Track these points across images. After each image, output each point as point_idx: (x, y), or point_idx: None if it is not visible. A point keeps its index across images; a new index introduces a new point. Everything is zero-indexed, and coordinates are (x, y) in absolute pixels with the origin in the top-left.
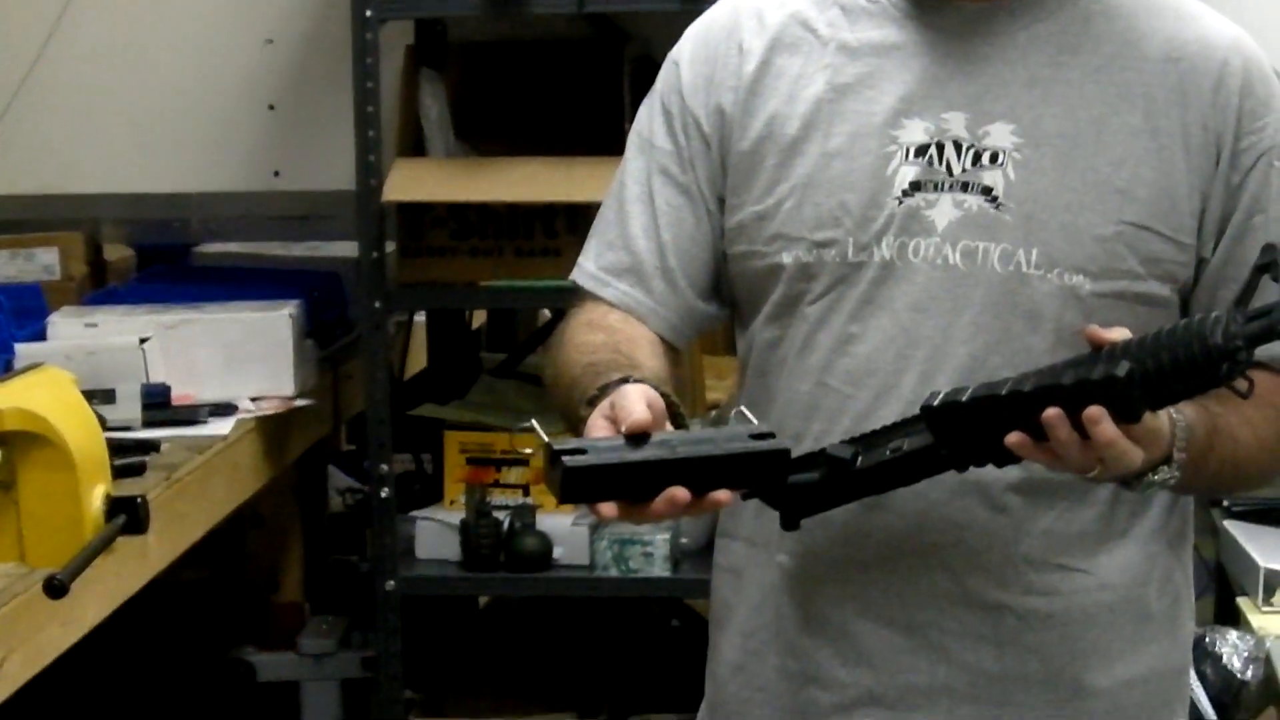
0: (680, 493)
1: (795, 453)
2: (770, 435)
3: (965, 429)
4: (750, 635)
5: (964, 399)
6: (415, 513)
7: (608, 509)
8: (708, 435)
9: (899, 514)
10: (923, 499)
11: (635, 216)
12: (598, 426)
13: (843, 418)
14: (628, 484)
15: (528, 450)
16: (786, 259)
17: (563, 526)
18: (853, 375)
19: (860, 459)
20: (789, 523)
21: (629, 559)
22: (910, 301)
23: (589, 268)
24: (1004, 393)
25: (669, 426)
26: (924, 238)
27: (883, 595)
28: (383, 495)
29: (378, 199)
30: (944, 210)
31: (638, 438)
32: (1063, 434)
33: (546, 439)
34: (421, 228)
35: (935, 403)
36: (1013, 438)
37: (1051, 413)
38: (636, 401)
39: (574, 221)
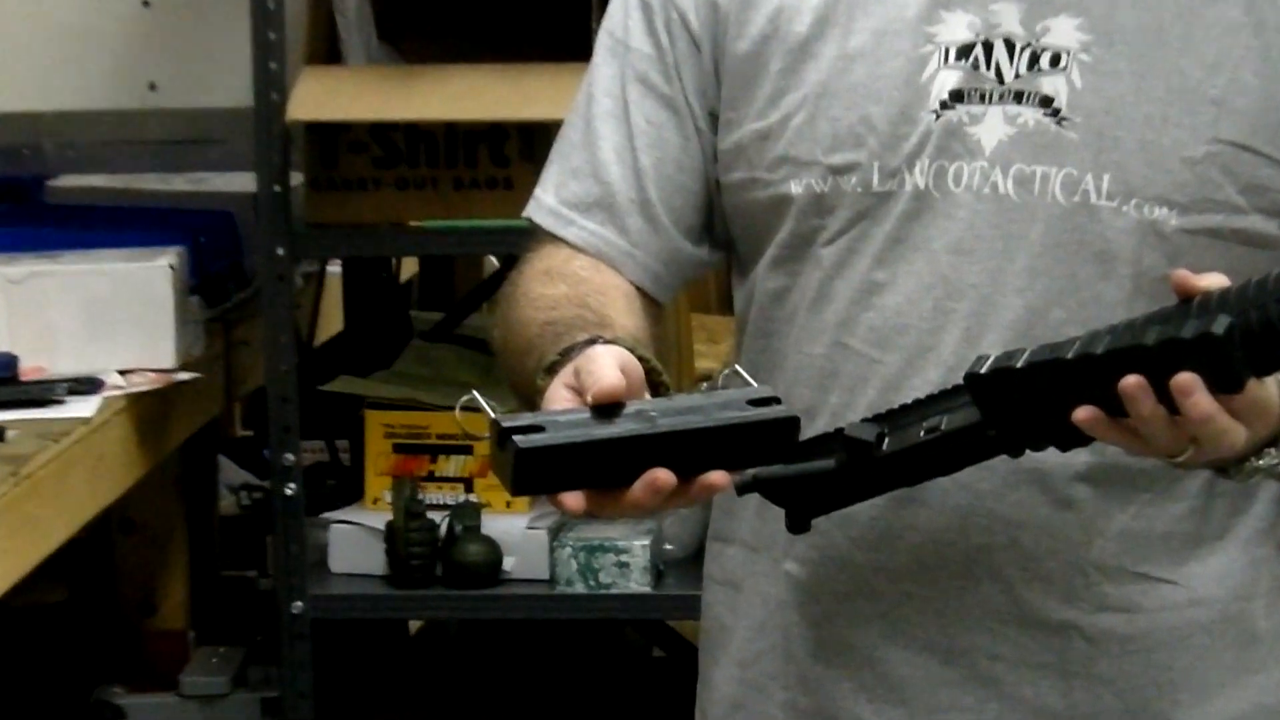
0: (663, 475)
1: (806, 433)
2: (774, 400)
3: (1021, 403)
4: (751, 664)
5: (1019, 364)
6: (329, 515)
7: (572, 500)
8: (695, 403)
9: (938, 510)
10: (968, 491)
11: (606, 137)
12: (559, 398)
13: (866, 388)
14: (596, 468)
15: (472, 433)
16: (795, 188)
17: (515, 530)
18: (879, 334)
19: (887, 441)
20: (797, 523)
21: (599, 571)
22: (950, 241)
23: (547, 201)
24: (1070, 356)
25: (647, 397)
26: (967, 161)
27: (918, 613)
28: (287, 493)
29: (281, 118)
30: (993, 127)
31: (608, 409)
32: (1145, 408)
33: (493, 414)
34: (336, 154)
35: (983, 369)
36: (1082, 413)
37: (1131, 381)
38: (607, 366)
39: (529, 146)
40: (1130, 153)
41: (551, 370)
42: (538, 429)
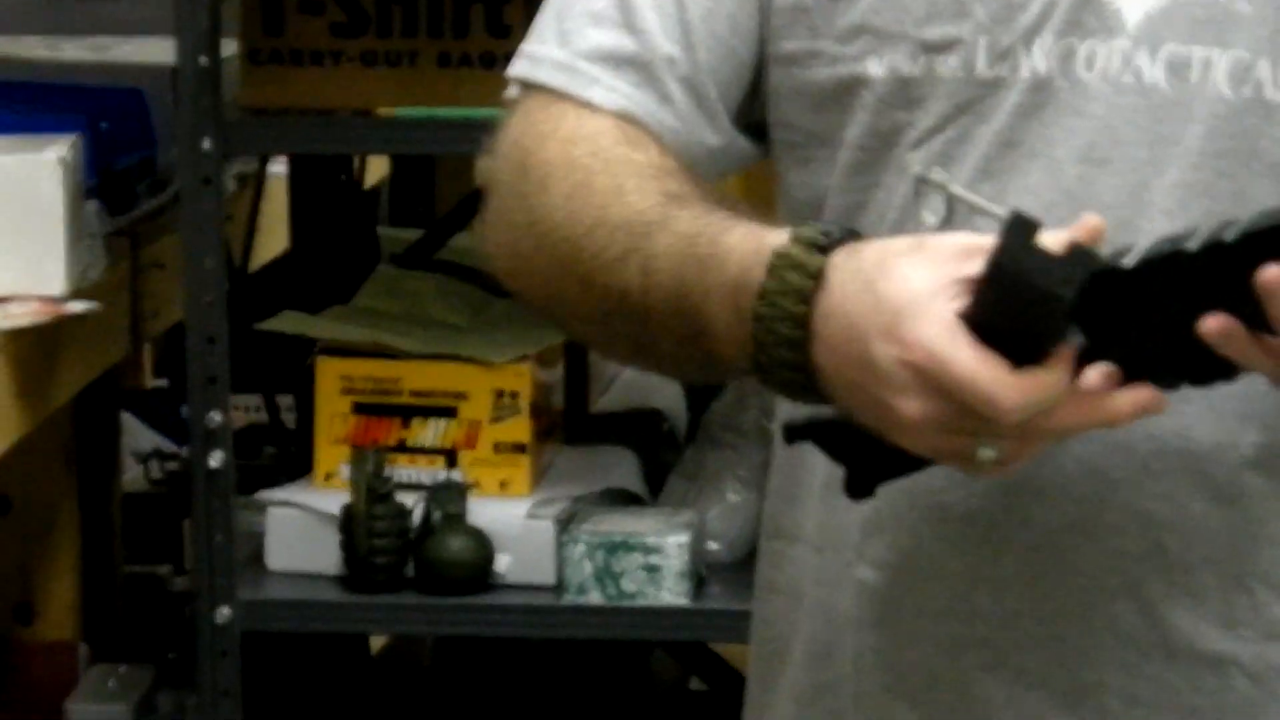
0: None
1: None
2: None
3: (1128, 316)
4: (811, 701)
5: (1125, 264)
6: (267, 494)
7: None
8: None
9: (1059, 502)
10: (1098, 478)
11: None
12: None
13: None
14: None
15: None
16: (875, 69)
17: (512, 519)
18: None
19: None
20: (858, 487)
21: (621, 576)
22: (1080, 146)
23: (552, 54)
24: (1193, 248)
25: None
26: (1103, 39)
27: (1029, 640)
28: (212, 465)
29: None
30: None
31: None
32: None
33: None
34: (282, 17)
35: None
36: (1212, 323)
37: (1274, 272)
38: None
39: (535, 9)
40: None
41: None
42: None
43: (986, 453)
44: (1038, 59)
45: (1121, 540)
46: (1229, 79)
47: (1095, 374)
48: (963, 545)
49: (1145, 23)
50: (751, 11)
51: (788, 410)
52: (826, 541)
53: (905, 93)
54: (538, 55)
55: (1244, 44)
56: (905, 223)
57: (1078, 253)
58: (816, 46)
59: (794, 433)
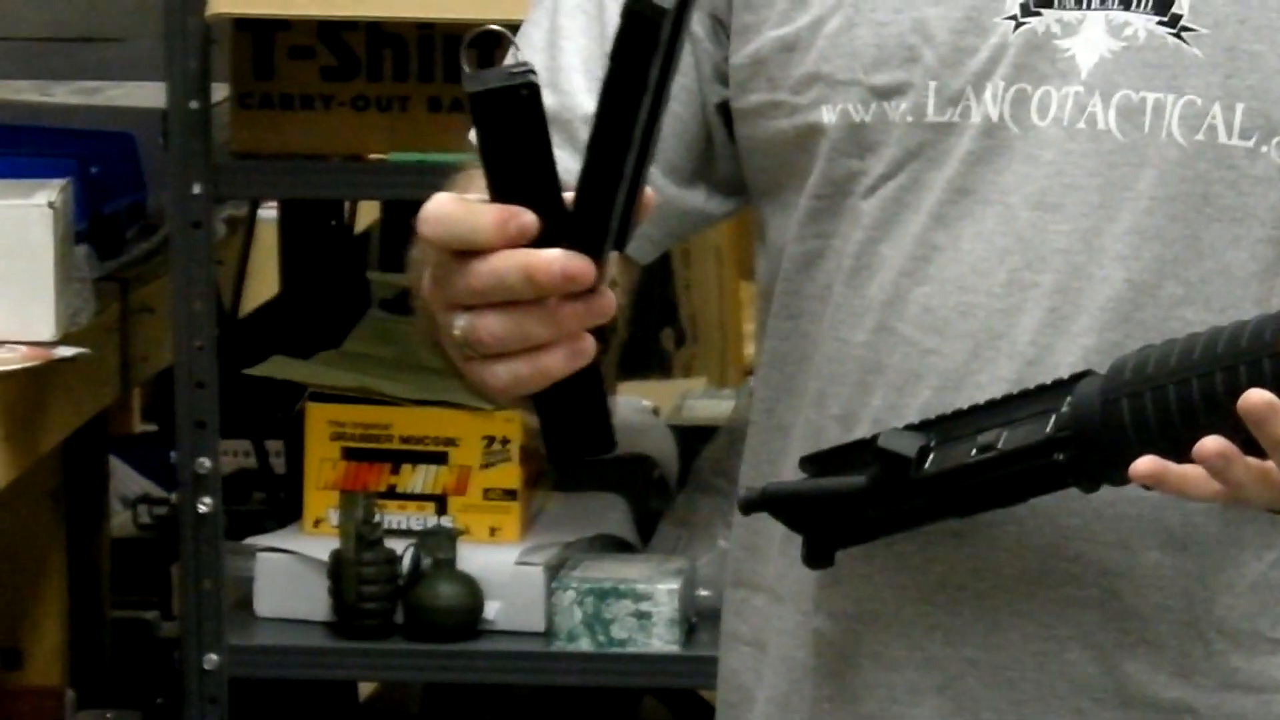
0: None
1: (841, 439)
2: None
3: (1126, 428)
4: None
5: (1150, 368)
6: (255, 540)
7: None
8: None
9: (1010, 551)
10: (1052, 526)
11: (572, 38)
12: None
13: (919, 387)
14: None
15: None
16: (828, 116)
17: (501, 566)
18: (935, 316)
19: (930, 457)
20: (817, 554)
21: (611, 623)
22: (1032, 192)
23: None
24: (1198, 370)
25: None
26: (1056, 85)
27: (985, 688)
28: (200, 509)
29: (200, 10)
30: (1091, 39)
31: None
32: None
33: None
34: (273, 62)
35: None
36: (1209, 446)
37: (1257, 399)
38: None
39: None
40: (1272, 75)
41: None
42: None
43: (458, 322)
44: (989, 104)
45: (1076, 589)
46: (1181, 124)
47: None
48: (917, 594)
49: (1098, 68)
50: (688, 70)
51: (745, 478)
52: (786, 592)
53: (858, 139)
54: None
55: (1197, 89)
56: (860, 271)
57: None
58: (775, 98)
59: (750, 505)
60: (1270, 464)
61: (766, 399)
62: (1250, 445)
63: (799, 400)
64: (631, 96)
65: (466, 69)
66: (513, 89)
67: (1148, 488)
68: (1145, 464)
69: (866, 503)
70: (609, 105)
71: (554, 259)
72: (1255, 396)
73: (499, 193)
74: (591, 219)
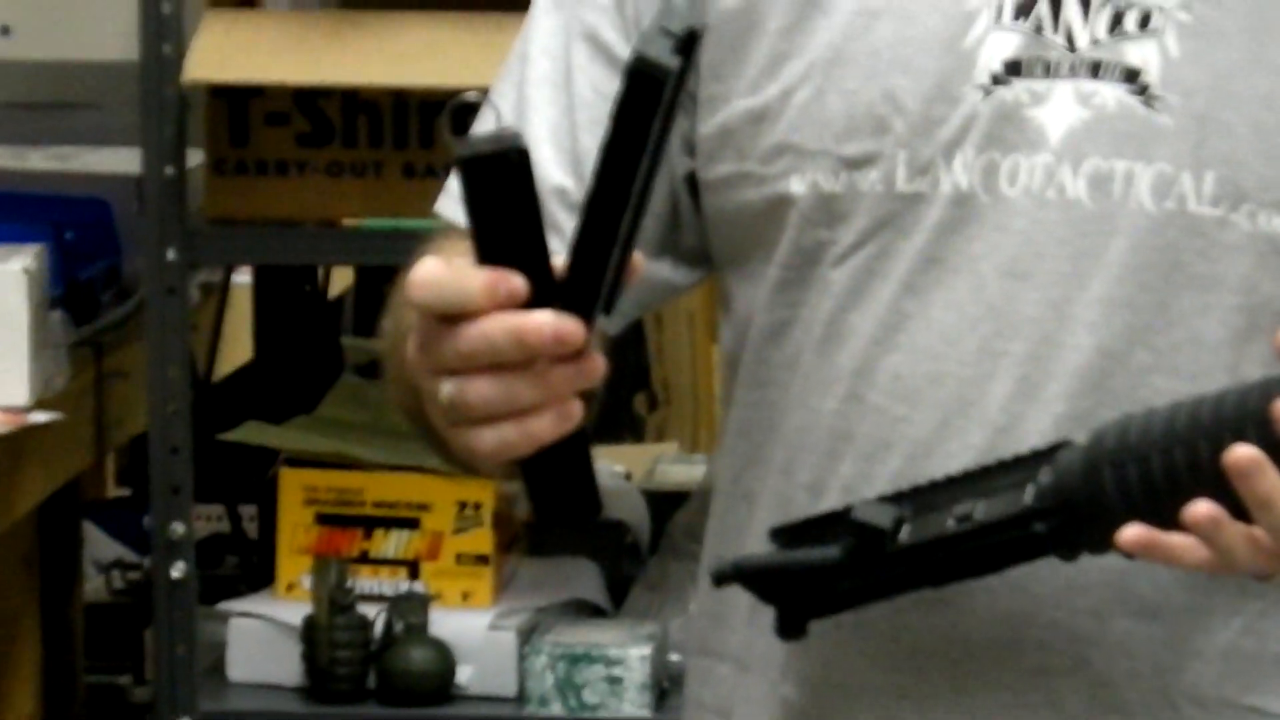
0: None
1: (809, 508)
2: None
3: (1110, 498)
4: None
5: (1132, 438)
6: (228, 604)
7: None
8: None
9: (983, 618)
10: (1022, 594)
11: (539, 109)
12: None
13: (889, 456)
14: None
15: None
16: (797, 186)
17: (473, 631)
18: (906, 385)
19: (906, 529)
20: (789, 626)
21: (583, 688)
22: (1002, 261)
23: (454, 186)
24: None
25: None
26: (1026, 154)
27: None
28: (174, 575)
29: (176, 78)
30: (1060, 109)
31: None
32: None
33: None
34: (247, 128)
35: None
36: (1199, 510)
37: (1243, 456)
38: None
39: None
40: (1242, 142)
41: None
42: None
43: (445, 387)
44: (959, 174)
45: (1046, 656)
46: (1152, 193)
47: None
48: (887, 662)
49: (1068, 137)
50: None
51: (711, 547)
52: (753, 660)
53: (827, 209)
54: (448, 188)
55: (1166, 158)
56: (830, 340)
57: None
58: (744, 169)
59: (722, 576)
60: (1257, 529)
61: (732, 467)
62: (1236, 514)
63: (766, 469)
64: (631, 156)
65: (448, 136)
66: (503, 154)
67: (1130, 556)
68: (1134, 533)
69: (841, 575)
70: (609, 165)
71: (544, 322)
72: (1242, 450)
73: (487, 257)
74: (583, 280)
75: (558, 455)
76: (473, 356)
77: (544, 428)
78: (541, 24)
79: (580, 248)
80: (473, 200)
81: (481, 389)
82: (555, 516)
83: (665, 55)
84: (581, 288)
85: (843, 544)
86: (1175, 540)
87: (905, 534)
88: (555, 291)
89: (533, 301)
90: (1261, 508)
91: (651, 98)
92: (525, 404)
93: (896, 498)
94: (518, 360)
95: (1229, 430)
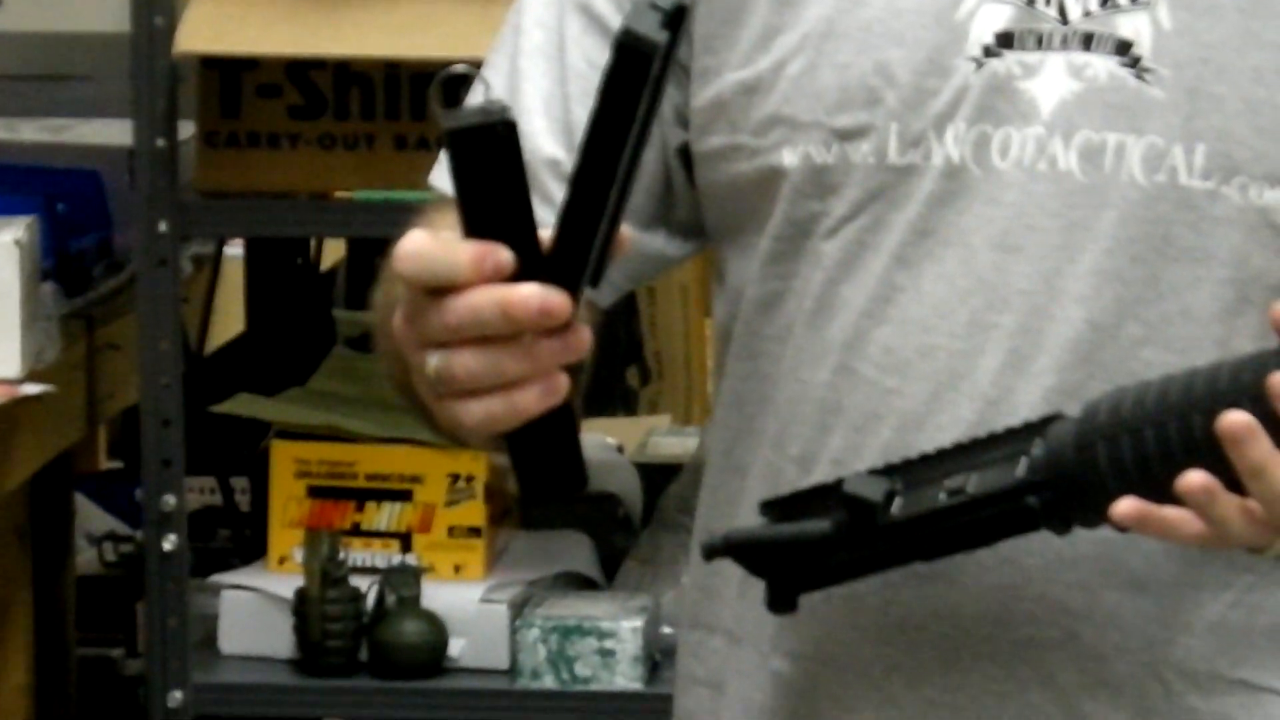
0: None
1: (800, 480)
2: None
3: (1102, 471)
4: None
5: (1125, 411)
6: (220, 577)
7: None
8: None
9: (972, 592)
10: (1012, 567)
11: (532, 79)
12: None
13: (879, 428)
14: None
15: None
16: (789, 158)
17: (466, 604)
18: (896, 357)
19: (897, 502)
20: (780, 599)
21: (575, 660)
22: (993, 233)
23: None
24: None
25: None
26: (1017, 126)
27: None
28: (166, 547)
29: (167, 49)
30: (1052, 81)
31: None
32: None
33: None
34: (239, 100)
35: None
36: (1194, 479)
37: (1234, 419)
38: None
39: None
40: (1234, 116)
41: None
42: None
43: (432, 360)
44: (950, 146)
45: (1036, 629)
46: (1143, 165)
47: None
48: (877, 635)
49: (1059, 110)
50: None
51: (702, 519)
52: (744, 633)
53: (819, 181)
54: (442, 160)
55: (1157, 130)
56: (821, 312)
57: None
58: (736, 141)
59: (712, 550)
60: (1251, 500)
61: (724, 439)
62: (1230, 487)
63: (757, 441)
64: (619, 130)
65: (438, 108)
66: (490, 126)
67: (1124, 529)
68: (1127, 506)
69: (832, 548)
70: (596, 138)
71: (531, 294)
72: (1235, 416)
73: (475, 230)
74: (570, 253)
75: (544, 429)
76: (459, 329)
77: (530, 401)
78: None
79: (567, 221)
80: (460, 172)
81: (467, 361)
82: (540, 490)
83: (653, 29)
84: (568, 261)
85: (834, 517)
86: (1169, 513)
87: (896, 507)
88: (542, 265)
89: (519, 274)
90: (1254, 476)
91: (639, 72)
92: (511, 377)
93: (887, 471)
94: (504, 333)
95: (1223, 403)
